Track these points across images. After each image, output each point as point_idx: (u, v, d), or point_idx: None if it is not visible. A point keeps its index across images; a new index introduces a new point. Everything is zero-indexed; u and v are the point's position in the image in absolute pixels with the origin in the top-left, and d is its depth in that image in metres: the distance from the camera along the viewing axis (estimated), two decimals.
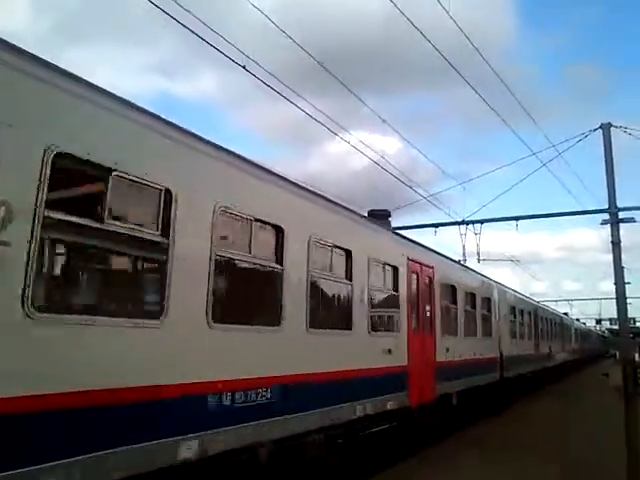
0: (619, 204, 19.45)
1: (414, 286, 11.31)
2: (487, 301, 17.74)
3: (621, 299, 22.88)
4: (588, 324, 75.42)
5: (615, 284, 21.61)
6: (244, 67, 9.67)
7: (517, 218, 18.26)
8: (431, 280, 12.47)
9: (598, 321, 77.68)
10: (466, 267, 17.38)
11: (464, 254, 18.58)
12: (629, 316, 48.34)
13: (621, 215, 19.55)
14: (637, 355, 32.49)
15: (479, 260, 19.40)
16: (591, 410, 16.65)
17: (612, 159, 18.97)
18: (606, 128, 18.80)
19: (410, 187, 16.55)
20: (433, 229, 18.70)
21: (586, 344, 57.29)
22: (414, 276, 11.34)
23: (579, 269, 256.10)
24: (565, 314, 46.07)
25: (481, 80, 15.79)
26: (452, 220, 18.83)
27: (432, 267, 12.54)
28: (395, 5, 10.51)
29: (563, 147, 18.98)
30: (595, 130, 18.71)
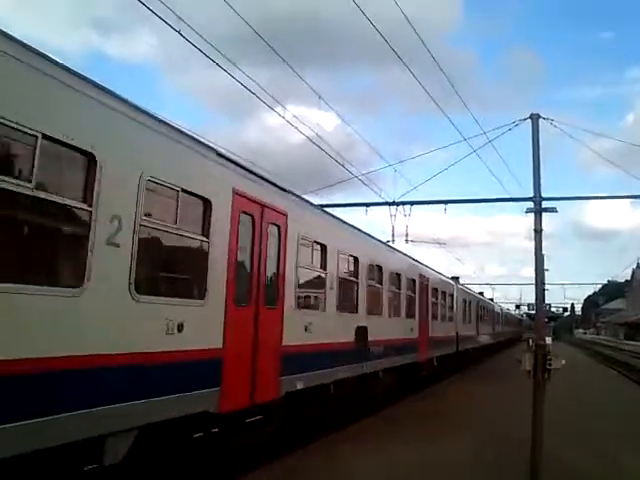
0: (544, 194, 20.06)
1: None
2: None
3: (540, 285, 23.82)
4: (509, 308, 77.45)
5: (535, 270, 22.42)
6: (179, 32, 9.30)
7: (445, 202, 18.58)
8: None
9: (517, 306, 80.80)
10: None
11: (393, 234, 18.71)
12: (546, 302, 50.22)
13: (545, 204, 20.20)
14: (549, 339, 33.87)
15: (407, 241, 19.60)
16: None
17: (539, 149, 19.50)
18: (535, 118, 19.24)
19: (342, 165, 16.46)
20: (364, 208, 18.78)
21: (493, 327, 41.66)
22: None
23: (504, 254, 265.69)
24: (456, 279, 28.64)
25: (422, 64, 15.80)
26: (383, 200, 18.94)
27: None
28: None
29: (495, 134, 19.29)
30: (525, 120, 19.13)
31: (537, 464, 6.51)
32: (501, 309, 55.87)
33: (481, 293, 45.01)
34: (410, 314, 16.72)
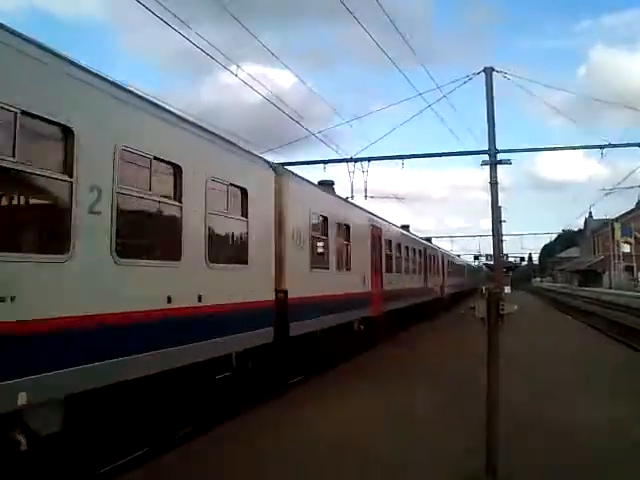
0: (499, 147, 20.45)
1: None
2: None
3: (497, 236, 24.47)
4: (468, 259, 78.57)
5: (492, 222, 23.00)
6: None
7: (402, 157, 18.75)
8: None
9: (476, 257, 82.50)
10: None
11: (352, 190, 18.71)
12: (504, 252, 51.18)
13: (499, 157, 20.62)
14: (508, 288, 34.82)
15: (366, 197, 19.70)
16: None
17: (493, 102, 19.78)
18: (489, 72, 19.45)
19: (298, 123, 16.42)
20: (322, 165, 18.84)
21: (425, 277, 27.36)
22: None
23: (463, 207, 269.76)
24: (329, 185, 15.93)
25: (376, 19, 15.67)
26: (341, 157, 19.02)
27: None
28: None
29: (449, 88, 19.45)
30: (478, 73, 19.32)
31: (493, 410, 6.78)
32: (442, 254, 38.09)
33: (406, 227, 28.39)
34: None
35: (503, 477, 5.76)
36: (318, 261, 12.40)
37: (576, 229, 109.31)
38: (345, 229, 14.50)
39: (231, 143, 9.29)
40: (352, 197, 18.68)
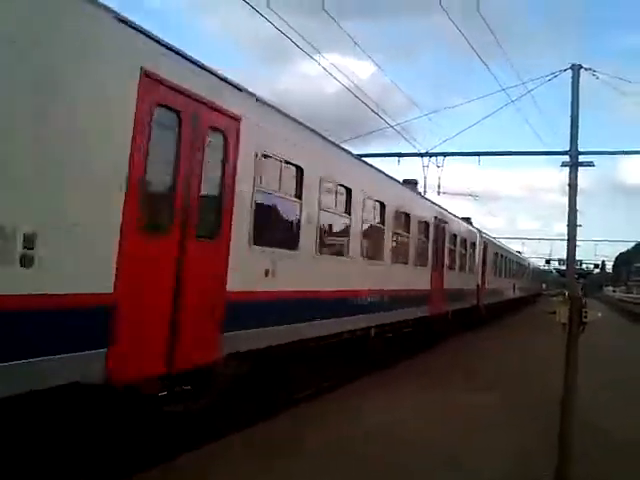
0: (580, 148, 19.65)
1: None
2: None
3: (572, 241, 23.58)
4: (539, 264, 76.22)
5: (568, 226, 22.19)
6: None
7: (479, 154, 18.28)
8: None
9: (547, 261, 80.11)
10: None
11: (425, 185, 18.44)
12: (577, 258, 49.00)
13: (581, 159, 19.82)
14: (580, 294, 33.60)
15: (439, 193, 19.27)
16: None
17: (578, 101, 19.00)
18: (576, 69, 18.68)
19: (377, 114, 16.25)
20: (397, 159, 18.60)
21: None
22: None
23: (537, 209, 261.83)
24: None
25: (462, 10, 15.32)
26: (416, 151, 18.73)
27: None
28: None
29: (533, 85, 18.82)
30: (565, 70, 18.59)
31: (568, 418, 6.50)
32: (485, 240, 24.26)
33: (413, 183, 17.39)
34: None
35: None
36: None
37: None
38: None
39: None
40: (425, 192, 18.35)
